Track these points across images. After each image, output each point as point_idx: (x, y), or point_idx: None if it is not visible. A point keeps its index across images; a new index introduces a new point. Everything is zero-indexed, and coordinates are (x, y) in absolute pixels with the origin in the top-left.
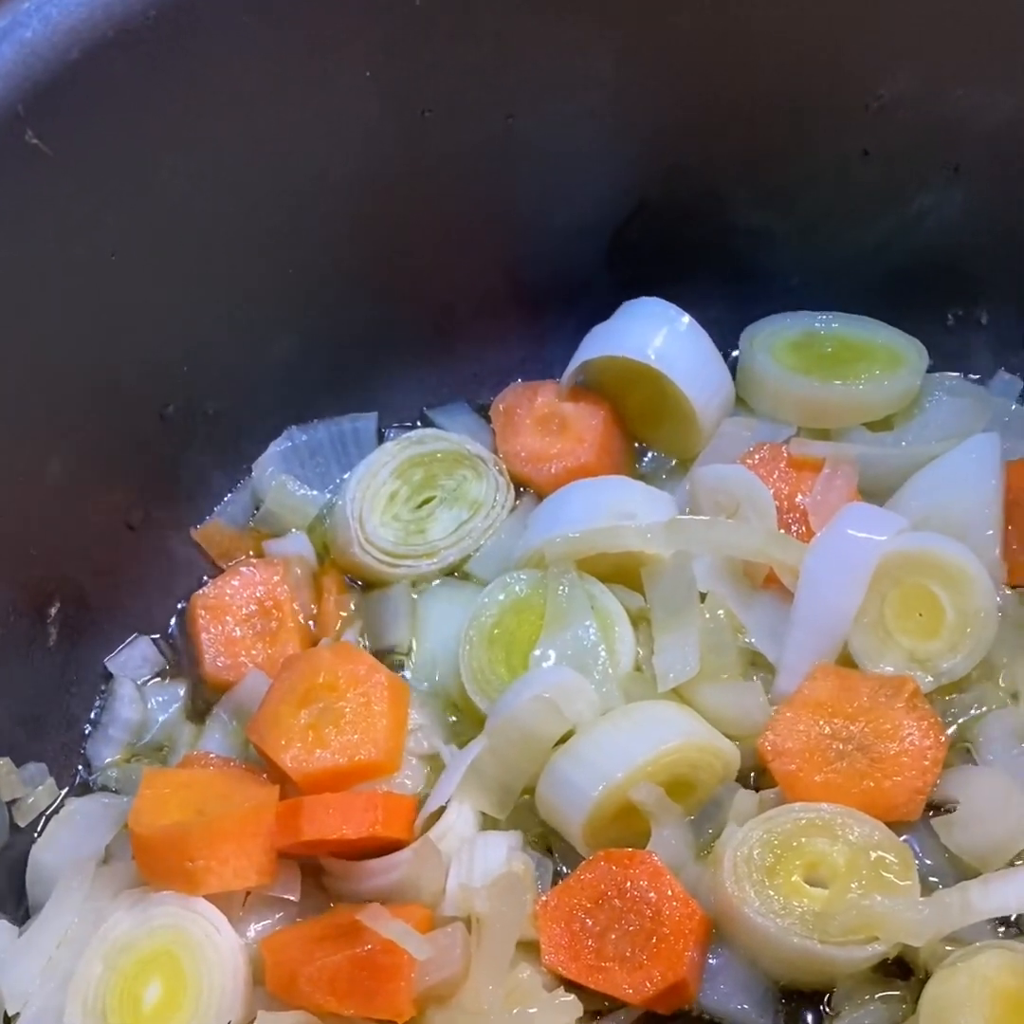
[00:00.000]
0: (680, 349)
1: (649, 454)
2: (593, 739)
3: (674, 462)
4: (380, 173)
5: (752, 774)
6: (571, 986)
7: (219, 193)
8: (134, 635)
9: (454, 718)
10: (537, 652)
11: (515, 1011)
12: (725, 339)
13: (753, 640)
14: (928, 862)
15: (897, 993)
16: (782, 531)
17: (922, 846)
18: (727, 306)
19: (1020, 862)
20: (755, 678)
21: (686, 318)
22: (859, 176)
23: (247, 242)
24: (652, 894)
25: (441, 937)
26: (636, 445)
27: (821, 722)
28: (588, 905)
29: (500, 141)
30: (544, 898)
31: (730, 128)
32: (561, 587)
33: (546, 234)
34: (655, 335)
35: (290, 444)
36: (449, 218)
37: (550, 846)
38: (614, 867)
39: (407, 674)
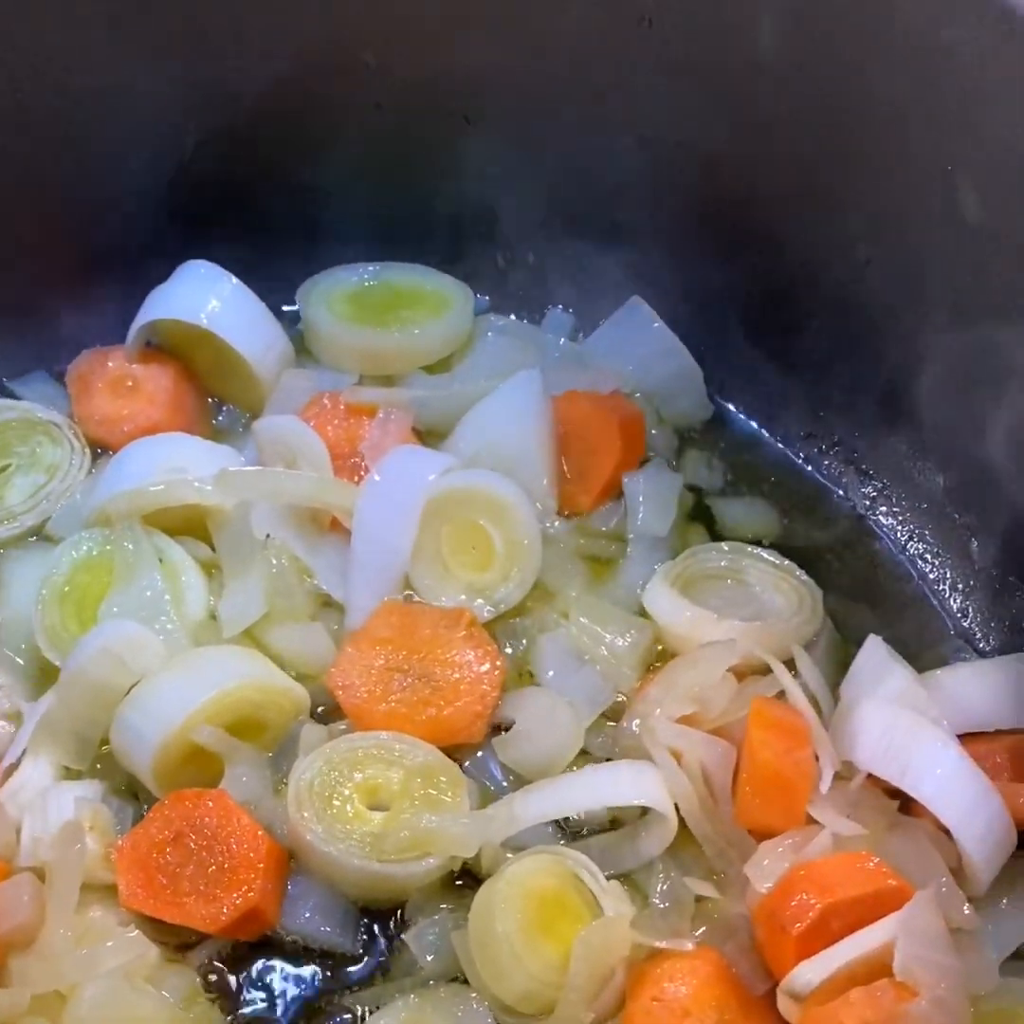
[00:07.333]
0: (230, 309)
1: (224, 409)
2: (154, 687)
3: (248, 416)
4: None
5: (323, 709)
6: (155, 923)
7: None
8: None
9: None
10: (105, 606)
11: (84, 951)
12: (293, 294)
13: (320, 582)
14: (504, 782)
15: (465, 901)
16: (335, 477)
17: (497, 766)
18: (291, 262)
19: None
20: (328, 617)
21: (233, 280)
22: (378, 128)
23: None
24: (221, 830)
25: (7, 887)
26: (212, 401)
27: (385, 656)
28: (162, 845)
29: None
30: (120, 842)
31: (247, 95)
32: (127, 543)
33: (95, 202)
34: (207, 297)
35: None
36: None
37: (136, 792)
38: (187, 805)
39: None
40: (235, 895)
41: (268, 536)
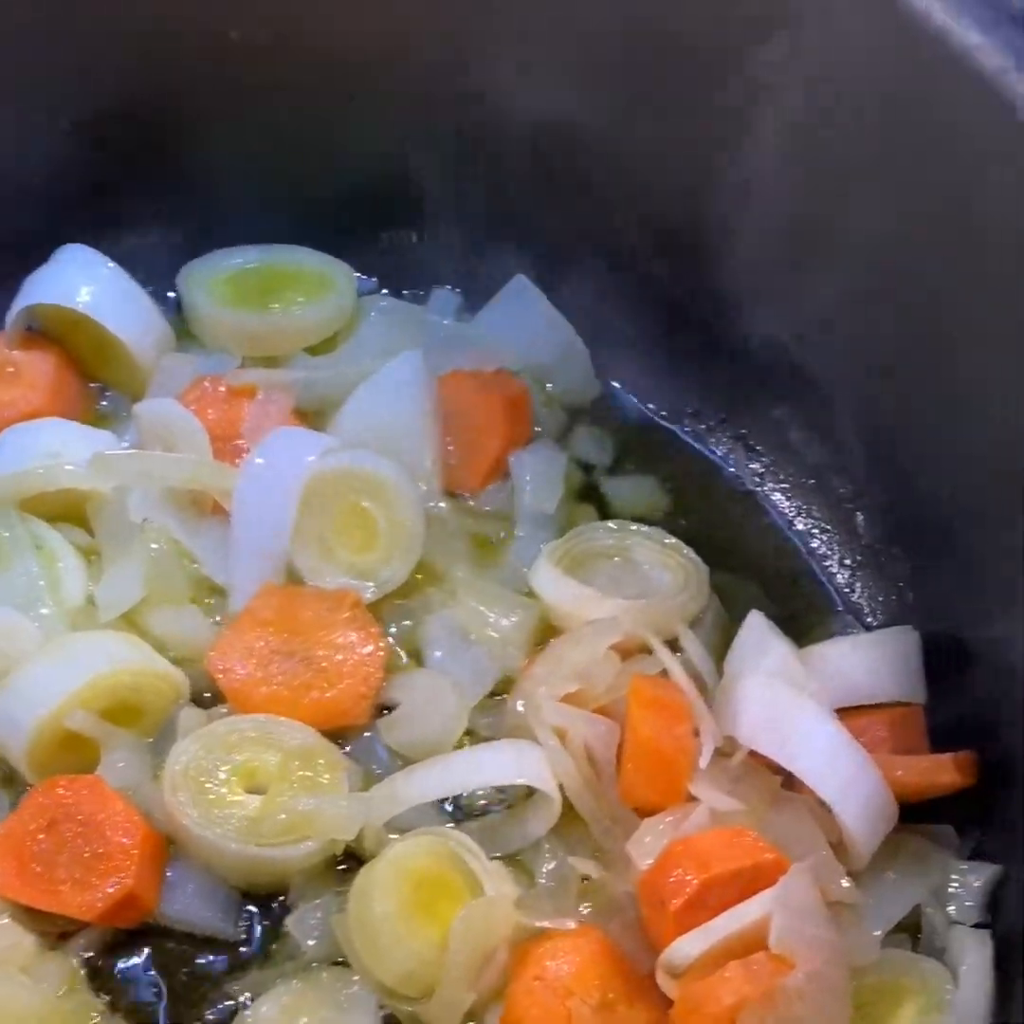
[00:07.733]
0: (106, 293)
1: (108, 394)
2: (27, 673)
3: (132, 400)
4: None
5: (208, 694)
6: (32, 912)
7: None
8: None
9: None
10: None
11: None
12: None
13: (201, 566)
14: (390, 766)
15: (349, 885)
16: (216, 460)
17: (383, 749)
18: (174, 247)
19: None
20: (212, 601)
21: (110, 264)
22: (258, 109)
23: None
24: (95, 816)
25: None
26: (96, 386)
27: (265, 638)
28: (36, 832)
29: None
30: None
31: (118, 78)
32: (1, 530)
33: None
34: (83, 281)
35: None
36: None
37: (13, 780)
38: (61, 791)
39: None
40: (110, 882)
41: (145, 520)
